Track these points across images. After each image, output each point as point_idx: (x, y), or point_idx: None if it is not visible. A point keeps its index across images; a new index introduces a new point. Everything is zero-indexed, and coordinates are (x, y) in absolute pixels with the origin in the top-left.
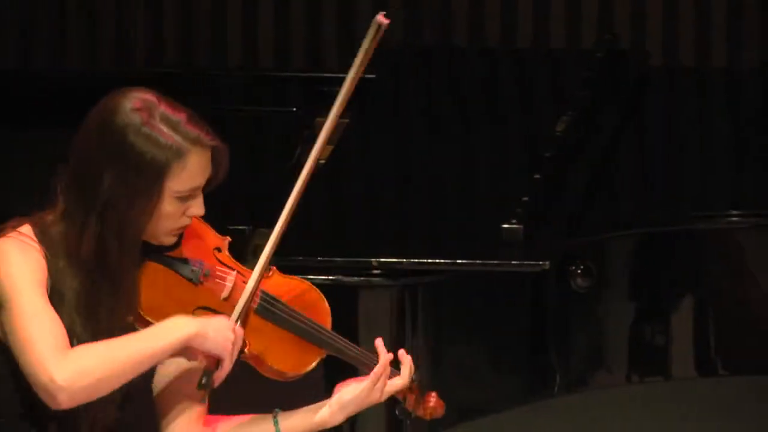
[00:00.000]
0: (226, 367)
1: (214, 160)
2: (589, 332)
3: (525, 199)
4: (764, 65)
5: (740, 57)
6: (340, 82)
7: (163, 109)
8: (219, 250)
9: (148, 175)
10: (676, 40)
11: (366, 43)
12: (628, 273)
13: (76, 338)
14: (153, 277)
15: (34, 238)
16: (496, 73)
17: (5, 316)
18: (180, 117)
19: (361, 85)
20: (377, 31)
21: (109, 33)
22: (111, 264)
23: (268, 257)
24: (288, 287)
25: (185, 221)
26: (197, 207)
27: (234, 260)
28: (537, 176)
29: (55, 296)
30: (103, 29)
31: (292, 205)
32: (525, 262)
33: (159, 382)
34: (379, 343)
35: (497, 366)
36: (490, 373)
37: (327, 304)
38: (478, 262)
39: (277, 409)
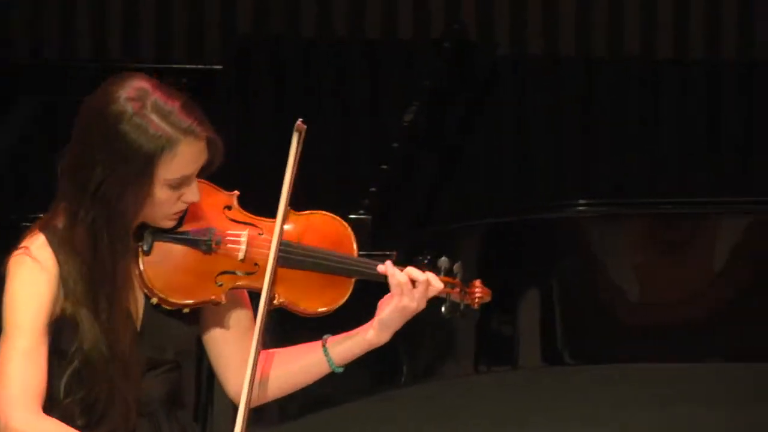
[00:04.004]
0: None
1: (210, 151)
2: (436, 323)
3: (373, 189)
4: (616, 54)
5: (588, 45)
6: None
7: (156, 97)
8: (229, 207)
9: (137, 164)
10: (524, 29)
11: (293, 151)
12: (477, 263)
13: (81, 328)
14: (166, 257)
15: (48, 245)
16: (344, 64)
17: (2, 337)
18: (173, 106)
19: (207, 75)
20: (299, 136)
21: None
22: (102, 252)
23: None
24: (304, 226)
25: (181, 206)
26: (192, 194)
27: (246, 213)
28: (385, 166)
29: (66, 291)
30: None
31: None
32: (372, 253)
33: (211, 328)
34: (386, 265)
35: None
36: None
37: (347, 229)
38: None
39: (326, 336)
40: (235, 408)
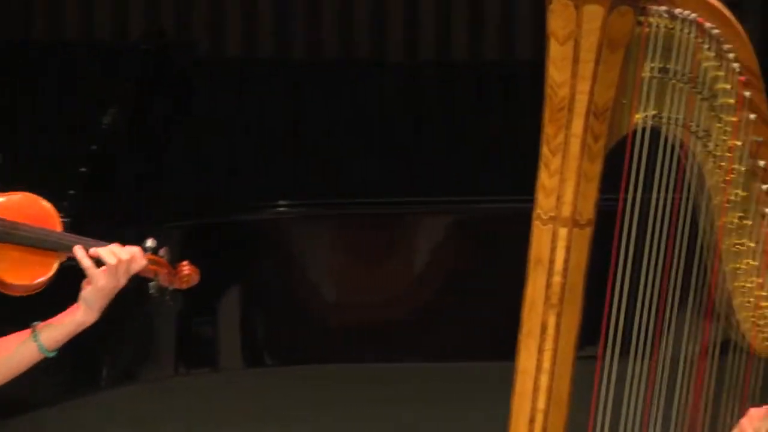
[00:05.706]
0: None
1: None
2: (137, 325)
3: (71, 192)
4: (314, 55)
5: (287, 47)
6: None
7: None
8: None
9: None
10: (223, 31)
11: None
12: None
13: None
14: None
15: None
16: (42, 65)
17: None
18: None
19: None
20: None
21: None
22: None
23: None
24: (2, 205)
25: None
26: None
27: None
28: (83, 169)
29: None
30: None
31: None
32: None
33: None
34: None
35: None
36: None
37: (50, 207)
38: None
39: (35, 322)
40: None
